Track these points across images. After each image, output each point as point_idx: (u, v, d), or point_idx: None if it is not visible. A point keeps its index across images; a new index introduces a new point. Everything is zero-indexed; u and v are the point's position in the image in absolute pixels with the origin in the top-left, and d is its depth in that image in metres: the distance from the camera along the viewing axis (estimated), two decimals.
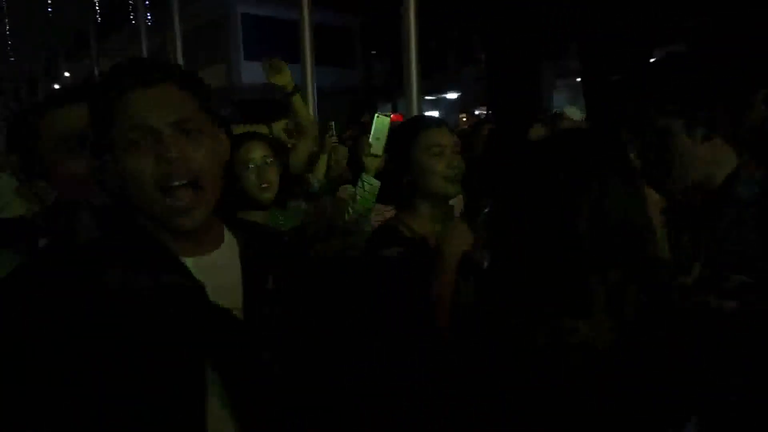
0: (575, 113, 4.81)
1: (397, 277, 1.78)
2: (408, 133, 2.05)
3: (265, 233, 1.35)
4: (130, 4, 21.02)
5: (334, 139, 4.19)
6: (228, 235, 1.25)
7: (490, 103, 14.90)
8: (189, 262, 1.14)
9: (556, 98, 15.95)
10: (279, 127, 3.55)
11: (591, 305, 1.06)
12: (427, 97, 18.29)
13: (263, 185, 2.29)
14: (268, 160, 2.33)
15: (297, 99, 3.36)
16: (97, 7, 23.36)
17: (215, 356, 1.07)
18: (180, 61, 10.01)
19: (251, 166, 2.30)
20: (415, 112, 4.42)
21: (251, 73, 17.91)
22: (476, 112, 17.59)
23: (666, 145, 1.52)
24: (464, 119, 12.93)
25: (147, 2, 15.50)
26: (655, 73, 1.57)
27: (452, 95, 20.46)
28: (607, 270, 1.06)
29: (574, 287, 1.06)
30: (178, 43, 10.27)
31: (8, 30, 29.85)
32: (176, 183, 1.09)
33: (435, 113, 19.68)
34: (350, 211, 2.39)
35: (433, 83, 18.11)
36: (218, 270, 1.16)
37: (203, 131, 1.15)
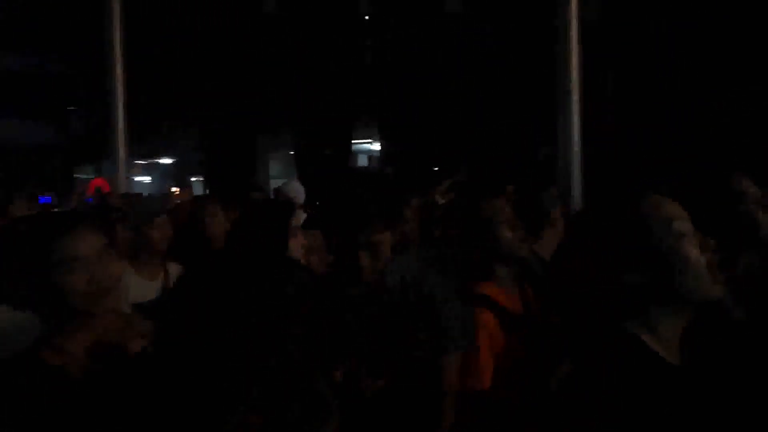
0: (297, 188, 4.95)
1: None
2: None
3: None
4: None
5: None
6: None
7: (206, 170, 14.65)
8: None
9: (272, 167, 16.48)
10: None
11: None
12: (137, 161, 17.19)
13: None
14: None
15: None
16: None
17: None
18: None
19: None
20: (123, 177, 4.04)
21: None
22: (192, 179, 17.09)
23: None
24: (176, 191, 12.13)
25: None
26: None
27: (166, 160, 19.63)
28: None
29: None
30: None
31: None
32: None
33: (147, 179, 18.53)
34: None
35: (146, 146, 17.14)
36: None
37: None
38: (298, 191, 4.84)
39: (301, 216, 2.28)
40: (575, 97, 7.61)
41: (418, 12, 11.36)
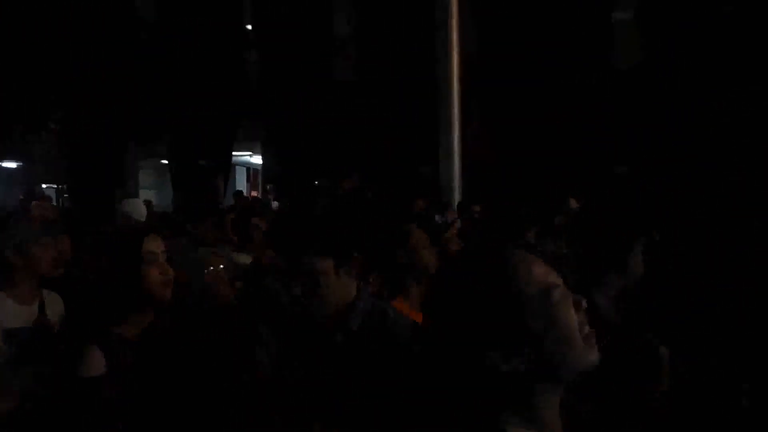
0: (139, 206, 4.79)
1: None
2: None
3: None
4: None
5: None
6: None
7: (67, 178, 13.46)
8: None
9: (142, 178, 15.52)
10: None
11: None
12: None
13: None
14: None
15: None
16: None
17: None
18: None
19: None
20: None
21: None
22: (44, 186, 15.63)
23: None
24: (21, 197, 10.83)
25: None
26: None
27: (10, 164, 17.82)
28: None
29: None
30: None
31: None
32: None
33: None
34: None
35: None
36: None
37: None
38: (135, 208, 4.63)
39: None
40: (455, 119, 8.02)
41: (303, 26, 11.32)
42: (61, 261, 2.56)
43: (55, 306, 2.46)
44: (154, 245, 1.98)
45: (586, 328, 1.03)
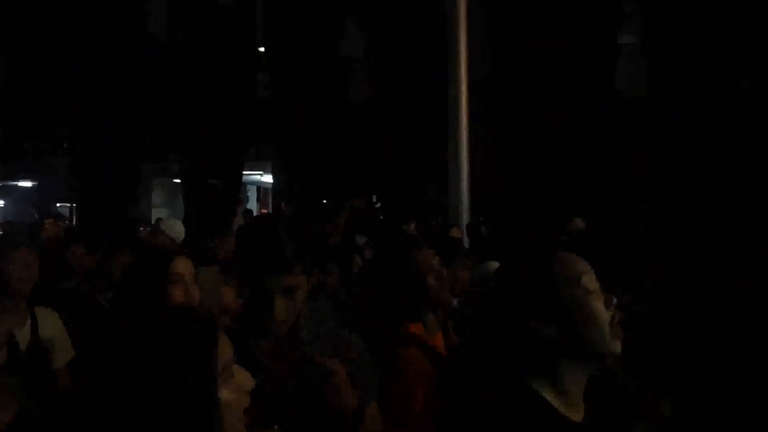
0: (175, 224, 4.75)
1: None
2: None
3: None
4: None
5: None
6: None
7: (80, 196, 13.66)
8: None
9: (155, 196, 15.70)
10: None
11: None
12: None
13: None
14: None
15: None
16: None
17: None
18: None
19: None
20: None
21: None
22: (58, 205, 15.84)
23: None
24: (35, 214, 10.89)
25: None
26: None
27: (26, 183, 18.04)
28: None
29: None
30: None
31: None
32: None
33: (0, 203, 17.01)
34: None
35: (2, 167, 15.74)
36: None
37: None
38: (172, 227, 4.57)
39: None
40: (464, 144, 8.17)
41: (313, 48, 11.54)
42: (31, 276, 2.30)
43: (47, 322, 2.37)
44: (182, 266, 2.00)
45: (614, 321, 1.21)
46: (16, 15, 12.12)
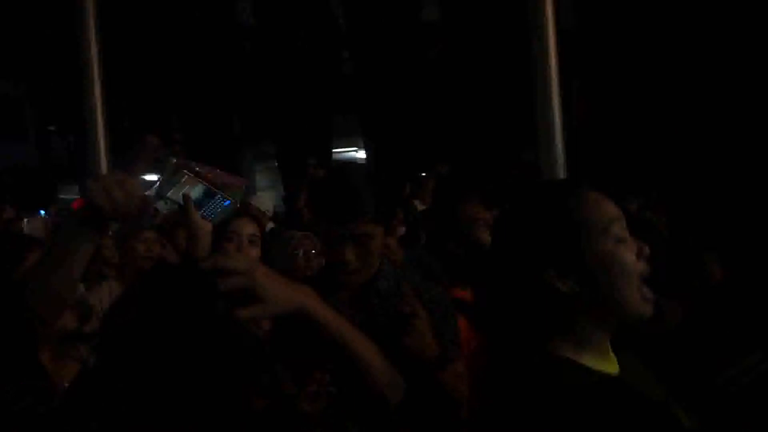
0: (265, 201, 5.52)
1: None
2: None
3: None
4: None
5: None
6: None
7: None
8: None
9: (258, 180, 16.38)
10: None
11: None
12: None
13: None
14: None
15: None
16: None
17: None
18: None
19: None
20: None
21: None
22: None
23: None
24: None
25: None
26: None
27: (152, 177, 19.53)
28: None
29: None
30: None
31: None
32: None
33: None
34: None
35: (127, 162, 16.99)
36: None
37: None
38: (262, 202, 5.33)
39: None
40: (555, 100, 7.70)
41: (394, 20, 11.40)
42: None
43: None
44: (240, 227, 2.12)
45: (645, 277, 1.02)
46: (121, 15, 13.04)
